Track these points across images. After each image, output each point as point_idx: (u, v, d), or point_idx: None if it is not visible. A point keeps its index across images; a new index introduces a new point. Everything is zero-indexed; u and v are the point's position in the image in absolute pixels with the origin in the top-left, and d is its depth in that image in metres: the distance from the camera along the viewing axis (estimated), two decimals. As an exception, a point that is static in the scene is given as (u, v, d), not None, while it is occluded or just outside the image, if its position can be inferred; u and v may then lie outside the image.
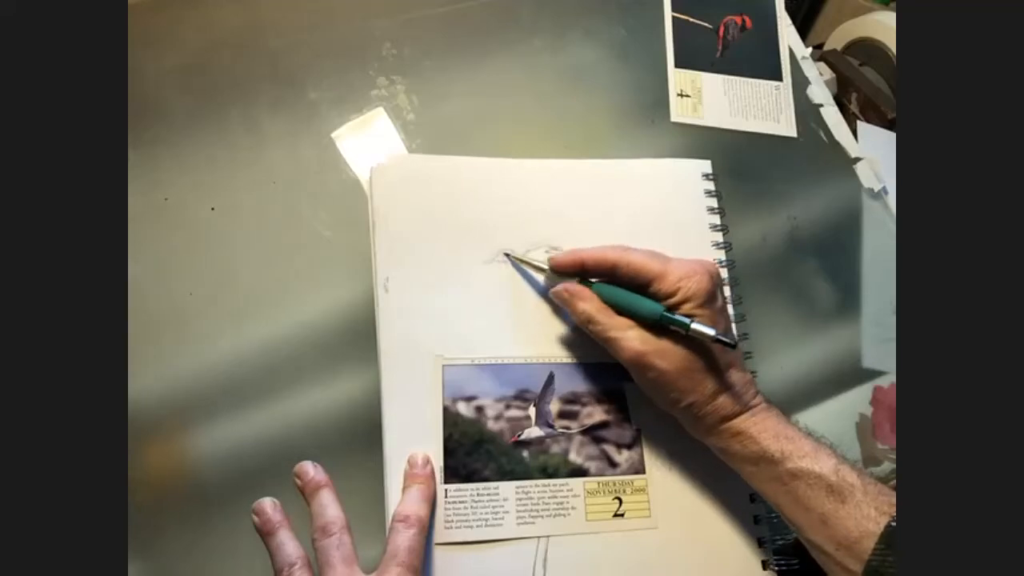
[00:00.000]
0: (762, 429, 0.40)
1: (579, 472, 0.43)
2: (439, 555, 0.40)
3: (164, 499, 0.42)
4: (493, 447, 0.43)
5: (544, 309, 0.46)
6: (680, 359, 0.40)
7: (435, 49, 0.56)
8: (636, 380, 0.43)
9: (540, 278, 0.47)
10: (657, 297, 0.41)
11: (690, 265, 0.42)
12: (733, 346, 0.40)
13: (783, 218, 0.56)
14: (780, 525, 0.45)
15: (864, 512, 0.36)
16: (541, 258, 0.47)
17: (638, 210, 0.50)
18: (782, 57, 0.62)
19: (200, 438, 0.44)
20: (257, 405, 0.45)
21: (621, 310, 0.42)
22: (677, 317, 0.40)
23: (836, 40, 0.78)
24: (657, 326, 0.41)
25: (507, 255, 0.47)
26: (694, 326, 0.40)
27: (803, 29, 0.90)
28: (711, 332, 0.40)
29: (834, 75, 0.68)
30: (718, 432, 0.41)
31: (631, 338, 0.41)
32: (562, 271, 0.44)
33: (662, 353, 0.40)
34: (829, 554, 0.37)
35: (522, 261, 0.47)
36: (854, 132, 0.61)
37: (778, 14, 0.64)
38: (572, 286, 0.44)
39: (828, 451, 0.39)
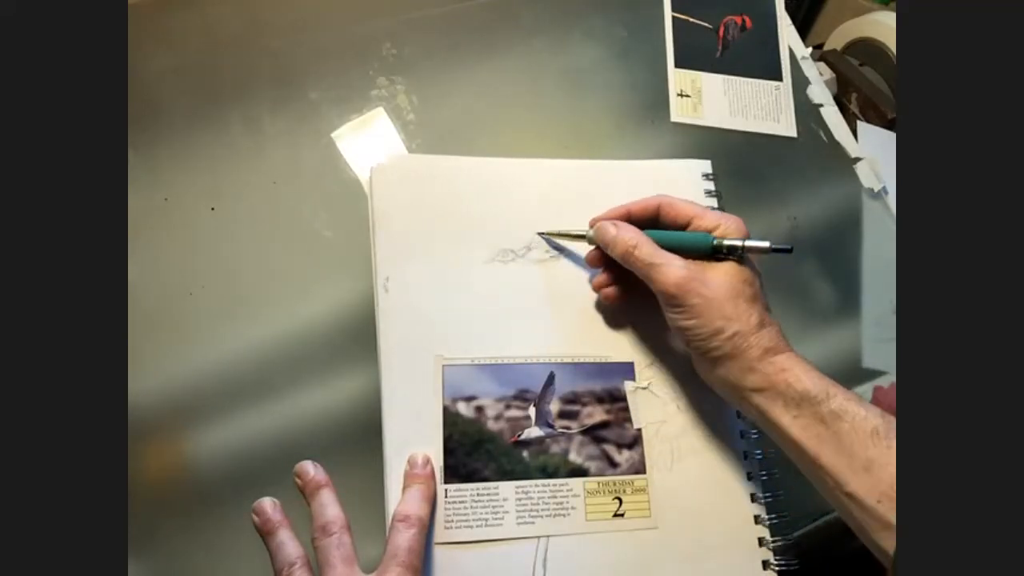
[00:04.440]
0: (806, 368, 0.39)
1: (579, 472, 0.43)
2: (439, 555, 0.40)
3: (164, 499, 0.42)
4: (493, 447, 0.43)
5: (545, 309, 0.46)
6: (725, 286, 0.40)
7: (435, 49, 0.56)
8: (673, 316, 0.41)
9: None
10: None
11: (724, 212, 0.44)
12: (789, 251, 0.41)
13: (783, 218, 0.56)
14: (780, 525, 0.45)
15: None
16: (543, 256, 0.47)
17: (638, 210, 0.50)
18: (782, 57, 0.62)
19: (200, 438, 0.44)
20: (257, 405, 0.45)
21: (669, 248, 0.42)
22: (729, 241, 0.42)
23: (836, 40, 0.78)
24: (704, 258, 0.42)
25: (540, 234, 0.48)
26: (748, 243, 0.41)
27: (803, 29, 0.90)
28: (766, 244, 0.41)
29: (834, 75, 0.69)
30: (763, 366, 0.39)
31: (677, 265, 0.41)
32: None
33: (707, 280, 0.41)
34: (869, 508, 0.35)
35: (558, 235, 0.47)
36: (854, 132, 0.61)
37: (778, 14, 0.64)
38: (619, 222, 0.44)
39: (868, 401, 0.38)
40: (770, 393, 0.39)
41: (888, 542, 0.35)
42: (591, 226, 0.46)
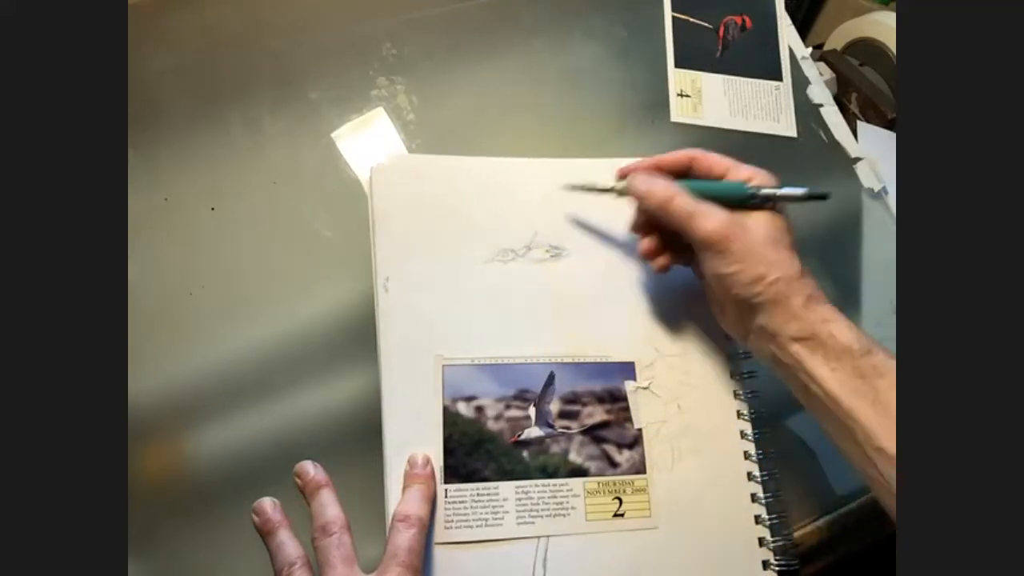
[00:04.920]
0: (848, 323, 0.39)
1: (579, 472, 0.43)
2: (439, 555, 0.40)
3: (164, 499, 0.42)
4: (493, 447, 0.43)
5: (545, 309, 0.46)
6: (766, 233, 0.41)
7: (435, 49, 0.56)
8: (714, 263, 0.41)
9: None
10: None
11: (756, 168, 0.43)
12: (825, 197, 0.42)
13: (783, 218, 0.56)
14: (780, 525, 0.45)
15: None
16: (543, 256, 0.47)
17: (638, 210, 0.50)
18: (782, 57, 0.62)
19: (200, 438, 0.44)
20: (257, 405, 0.45)
21: (702, 198, 0.42)
22: (766, 189, 0.41)
23: (836, 40, 0.78)
24: (742, 206, 0.42)
25: (567, 186, 0.47)
26: (783, 191, 0.41)
27: (803, 29, 0.90)
28: (802, 191, 0.41)
29: (834, 75, 0.69)
30: (807, 314, 0.39)
31: (716, 212, 0.41)
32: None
33: (747, 225, 0.41)
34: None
35: (584, 188, 0.47)
36: (854, 132, 0.61)
37: (778, 14, 0.64)
38: (653, 173, 0.44)
39: None
40: (812, 343, 0.39)
41: None
42: (619, 176, 0.45)
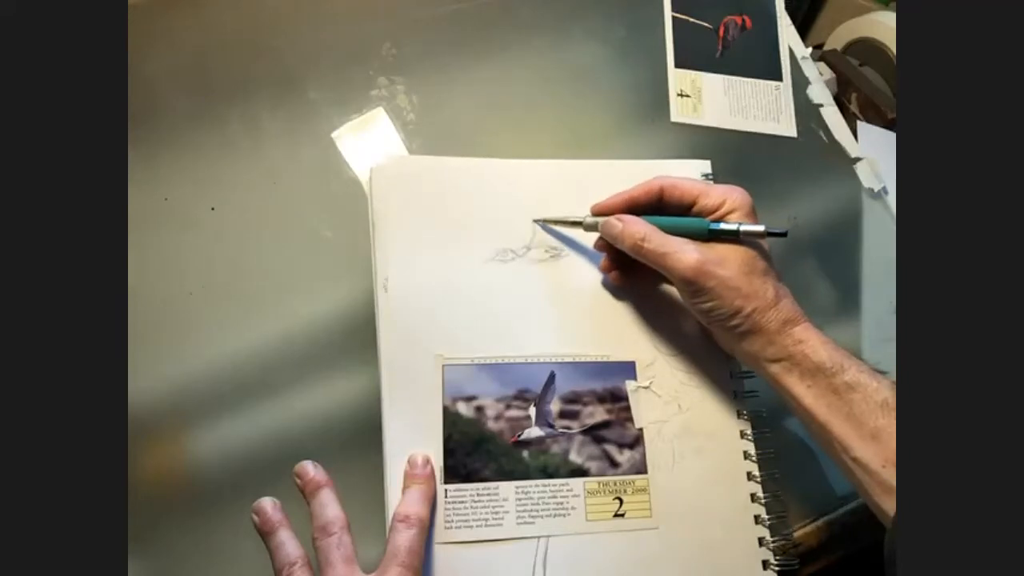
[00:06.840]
0: (823, 340, 0.41)
1: (579, 472, 0.43)
2: (439, 555, 0.40)
3: (164, 499, 0.42)
4: (493, 447, 0.43)
5: (545, 308, 0.46)
6: (739, 263, 0.41)
7: (435, 49, 0.56)
8: (691, 299, 0.42)
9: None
10: (703, 213, 0.44)
11: (729, 185, 0.44)
12: (784, 235, 0.42)
13: (783, 218, 0.56)
14: (780, 525, 0.45)
15: None
16: (543, 256, 0.47)
17: (638, 210, 0.50)
18: (782, 57, 0.62)
19: (200, 438, 0.44)
20: (257, 405, 0.45)
21: (670, 233, 0.43)
22: (725, 225, 0.42)
23: (836, 40, 0.79)
24: (707, 240, 0.42)
25: (536, 221, 0.48)
26: (743, 227, 0.42)
27: (803, 29, 0.90)
28: (761, 228, 0.42)
29: (834, 75, 0.69)
30: (781, 339, 0.41)
31: (688, 250, 0.41)
32: (609, 214, 0.45)
33: (721, 260, 0.41)
34: (874, 472, 0.37)
35: (555, 222, 0.48)
36: (854, 132, 0.61)
37: (778, 14, 0.64)
38: (623, 215, 0.44)
39: (881, 374, 0.40)
40: (787, 364, 0.41)
41: (889, 504, 0.37)
42: (593, 213, 0.46)
